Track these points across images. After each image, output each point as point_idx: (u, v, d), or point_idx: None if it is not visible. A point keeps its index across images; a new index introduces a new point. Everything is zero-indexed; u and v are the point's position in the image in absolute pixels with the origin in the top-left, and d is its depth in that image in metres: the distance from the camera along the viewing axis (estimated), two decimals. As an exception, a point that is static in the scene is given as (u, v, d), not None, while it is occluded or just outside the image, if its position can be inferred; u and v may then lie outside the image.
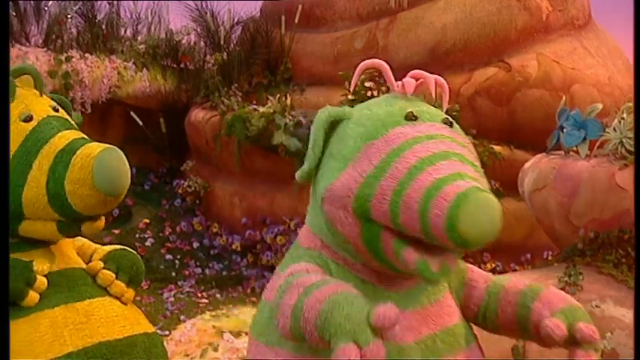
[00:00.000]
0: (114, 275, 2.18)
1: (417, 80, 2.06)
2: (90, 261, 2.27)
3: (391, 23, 7.23)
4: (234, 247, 6.63)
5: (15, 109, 2.08)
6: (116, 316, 2.12)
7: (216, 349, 2.89)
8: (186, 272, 6.39)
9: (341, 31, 7.63)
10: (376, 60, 2.14)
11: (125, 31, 8.26)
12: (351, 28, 7.57)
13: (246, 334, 3.06)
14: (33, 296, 2.00)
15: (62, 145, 2.03)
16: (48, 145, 2.03)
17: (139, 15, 8.34)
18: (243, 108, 6.80)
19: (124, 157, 2.05)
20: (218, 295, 5.88)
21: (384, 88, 6.46)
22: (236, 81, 7.53)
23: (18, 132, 2.06)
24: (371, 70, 6.60)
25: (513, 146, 6.41)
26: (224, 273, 6.46)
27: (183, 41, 8.26)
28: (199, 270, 6.46)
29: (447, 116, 1.98)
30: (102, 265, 2.20)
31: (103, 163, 1.98)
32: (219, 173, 7.13)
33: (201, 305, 5.53)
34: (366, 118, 1.95)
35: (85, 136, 2.13)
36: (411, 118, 1.90)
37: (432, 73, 6.76)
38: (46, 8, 7.74)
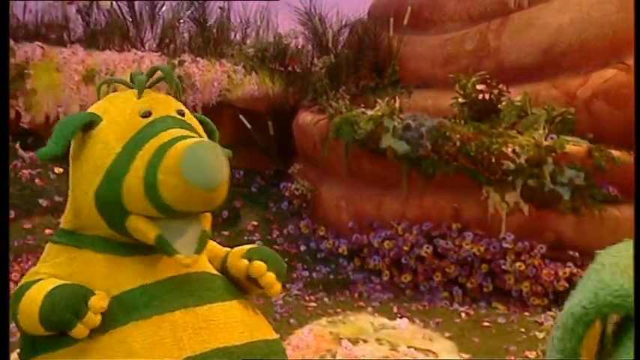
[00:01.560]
0: (265, 266, 2.10)
1: None
2: (224, 263, 2.21)
3: (503, 24, 7.06)
4: (340, 250, 6.61)
5: (138, 106, 2.04)
6: (236, 322, 2.04)
7: (334, 356, 2.85)
8: (294, 275, 6.41)
9: (450, 32, 7.51)
10: None
11: (235, 35, 8.39)
12: (461, 29, 7.44)
13: (365, 341, 3.01)
14: (81, 329, 1.88)
15: (166, 140, 1.94)
16: (155, 139, 1.96)
17: (249, 19, 8.45)
18: (351, 111, 6.77)
19: (219, 152, 1.93)
20: (326, 299, 5.88)
21: (495, 91, 6.32)
22: (344, 84, 7.52)
23: (134, 125, 2.01)
24: (483, 73, 6.50)
25: (633, 151, 6.12)
26: (331, 277, 6.44)
27: (291, 44, 8.31)
28: (307, 273, 6.47)
29: None
30: (247, 262, 2.11)
31: (194, 153, 1.88)
32: (326, 176, 7.13)
33: (309, 309, 5.53)
34: None
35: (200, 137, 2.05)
36: None
37: (546, 75, 6.57)
38: (160, 13, 7.94)
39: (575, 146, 5.85)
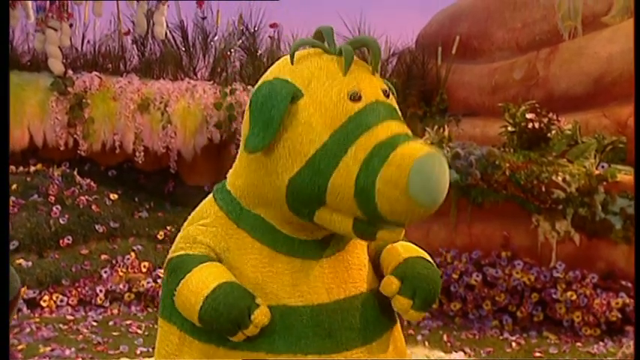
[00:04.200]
0: (410, 303, 1.87)
1: None
2: (378, 255, 2.01)
3: (552, 53, 7.09)
4: (389, 277, 6.64)
5: (345, 86, 1.80)
6: None
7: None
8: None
9: (499, 61, 7.56)
10: None
11: (285, 64, 8.51)
12: (509, 58, 7.49)
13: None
14: (239, 337, 1.80)
15: (384, 138, 1.74)
16: (369, 133, 1.75)
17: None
18: (400, 139, 6.81)
19: (446, 166, 1.71)
20: (376, 327, 5.90)
21: (545, 120, 6.33)
22: (392, 112, 7.57)
23: (343, 111, 1.78)
24: (532, 101, 6.52)
25: (686, 181, 6.07)
26: (380, 304, 6.45)
27: (340, 73, 8.39)
28: (356, 300, 6.49)
29: None
30: (398, 285, 1.89)
31: (424, 168, 1.67)
32: (374, 203, 7.17)
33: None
34: None
35: (409, 132, 1.82)
36: None
37: (596, 103, 6.56)
38: (212, 43, 8.13)
39: (627, 175, 5.83)
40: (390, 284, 1.88)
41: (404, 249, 1.98)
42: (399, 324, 2.09)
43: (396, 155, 1.68)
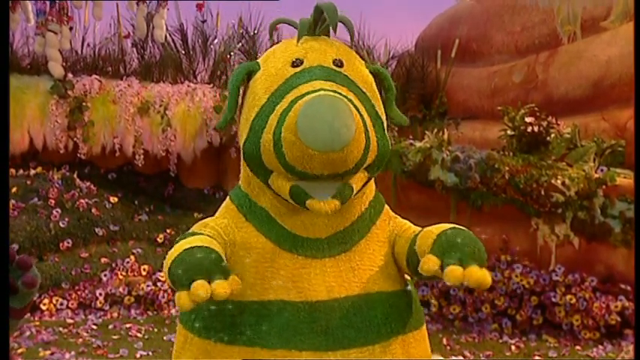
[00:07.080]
0: (461, 272, 1.65)
1: None
2: (412, 246, 1.87)
3: (551, 57, 7.10)
4: (389, 280, 6.64)
5: (291, 55, 1.89)
6: None
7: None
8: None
9: (498, 64, 7.57)
10: None
11: (284, 67, 8.52)
12: (508, 61, 7.50)
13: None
14: (186, 300, 1.56)
15: (302, 92, 1.76)
16: (294, 91, 1.79)
17: (298, 51, 8.57)
18: (399, 142, 6.83)
19: (343, 108, 1.67)
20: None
21: (544, 123, 6.34)
22: (391, 115, 7.59)
23: (281, 75, 1.86)
24: (531, 105, 6.53)
25: (685, 184, 6.08)
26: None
27: (340, 76, 8.41)
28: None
29: None
30: (435, 261, 1.70)
31: (309, 109, 1.67)
32: (374, 207, 7.17)
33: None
34: None
35: (341, 91, 1.79)
36: None
37: (595, 107, 6.56)
38: (211, 46, 8.14)
39: (626, 178, 5.84)
40: (428, 262, 1.71)
41: (436, 228, 1.83)
42: (424, 330, 2.02)
43: (297, 103, 1.73)
